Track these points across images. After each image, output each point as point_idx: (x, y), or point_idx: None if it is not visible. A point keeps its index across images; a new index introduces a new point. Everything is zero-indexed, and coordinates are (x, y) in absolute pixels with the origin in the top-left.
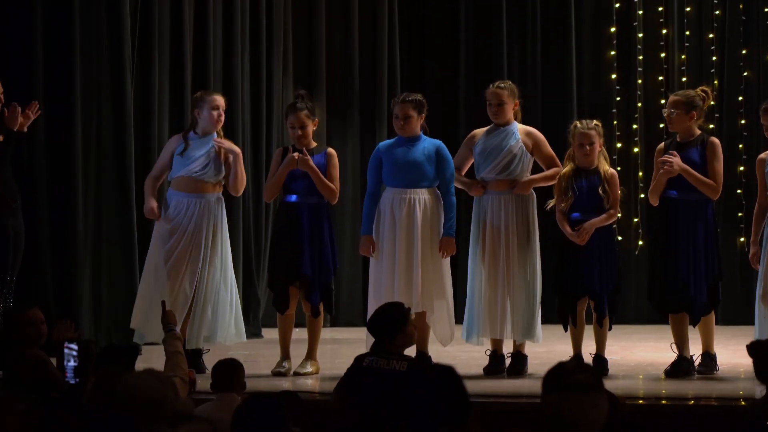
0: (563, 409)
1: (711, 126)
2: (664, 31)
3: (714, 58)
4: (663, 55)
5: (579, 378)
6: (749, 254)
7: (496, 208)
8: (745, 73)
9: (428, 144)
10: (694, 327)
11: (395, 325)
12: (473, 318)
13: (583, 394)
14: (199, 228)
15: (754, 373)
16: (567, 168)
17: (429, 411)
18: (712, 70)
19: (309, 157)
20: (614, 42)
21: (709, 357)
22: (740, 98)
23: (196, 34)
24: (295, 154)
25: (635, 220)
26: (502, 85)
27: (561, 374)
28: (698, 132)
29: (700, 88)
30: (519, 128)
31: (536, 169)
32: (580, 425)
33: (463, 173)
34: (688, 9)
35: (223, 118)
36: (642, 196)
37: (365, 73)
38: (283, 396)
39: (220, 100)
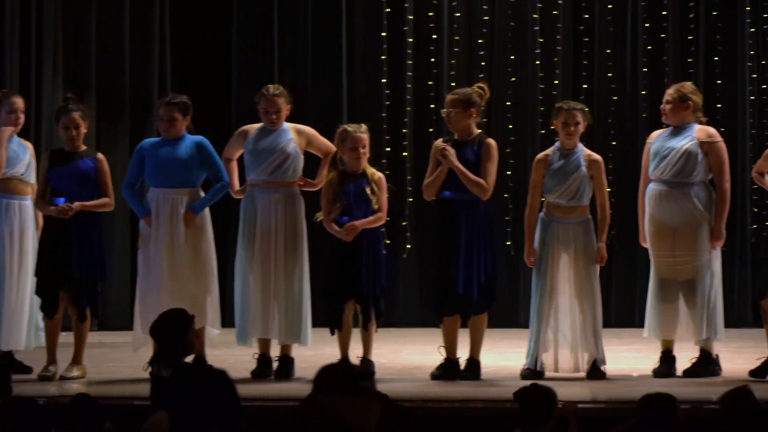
0: (341, 410)
1: (479, 131)
2: (435, 36)
3: (483, 63)
4: (433, 59)
5: (361, 382)
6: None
7: (266, 208)
8: (513, 79)
9: (189, 142)
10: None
11: (176, 332)
12: (245, 319)
13: (365, 399)
14: (23, 231)
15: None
16: (332, 175)
17: (201, 414)
18: (482, 75)
19: (72, 208)
20: (384, 46)
21: (474, 363)
22: (508, 103)
23: None
24: (58, 208)
25: (404, 223)
26: (278, 92)
27: (343, 375)
28: (477, 131)
29: (477, 84)
30: (290, 127)
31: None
32: (354, 430)
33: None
34: (458, 14)
35: (21, 120)
36: (411, 200)
37: (136, 75)
38: (79, 399)
39: (20, 102)
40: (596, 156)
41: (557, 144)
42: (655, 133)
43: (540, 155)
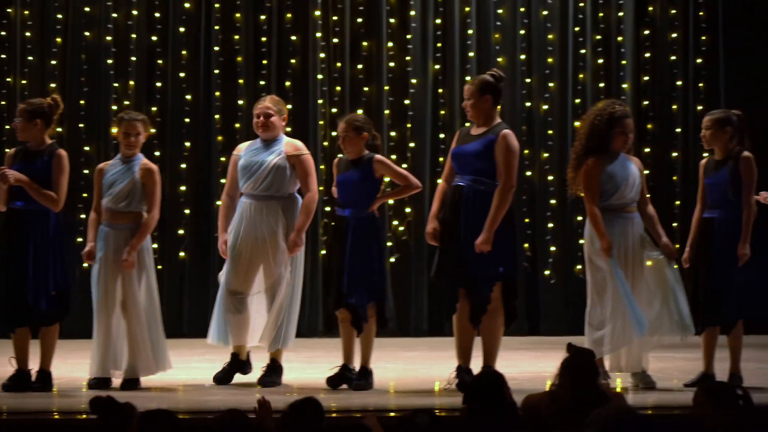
0: None
1: (51, 141)
2: (7, 45)
3: (56, 72)
4: (5, 67)
5: None
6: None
7: None
8: (86, 89)
9: None
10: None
11: None
12: None
13: None
14: None
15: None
16: None
17: None
18: (54, 84)
19: None
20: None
21: (45, 374)
22: (82, 113)
23: None
24: None
25: None
26: None
27: None
28: (49, 142)
29: (51, 96)
30: None
31: None
32: None
33: None
34: (30, 23)
35: None
36: None
37: None
38: None
39: None
40: (152, 165)
41: (119, 154)
42: (243, 146)
43: (100, 165)
